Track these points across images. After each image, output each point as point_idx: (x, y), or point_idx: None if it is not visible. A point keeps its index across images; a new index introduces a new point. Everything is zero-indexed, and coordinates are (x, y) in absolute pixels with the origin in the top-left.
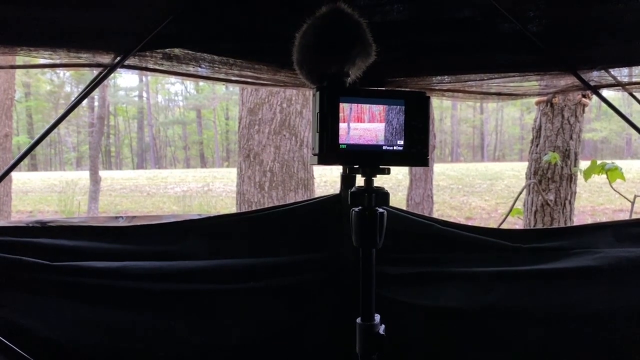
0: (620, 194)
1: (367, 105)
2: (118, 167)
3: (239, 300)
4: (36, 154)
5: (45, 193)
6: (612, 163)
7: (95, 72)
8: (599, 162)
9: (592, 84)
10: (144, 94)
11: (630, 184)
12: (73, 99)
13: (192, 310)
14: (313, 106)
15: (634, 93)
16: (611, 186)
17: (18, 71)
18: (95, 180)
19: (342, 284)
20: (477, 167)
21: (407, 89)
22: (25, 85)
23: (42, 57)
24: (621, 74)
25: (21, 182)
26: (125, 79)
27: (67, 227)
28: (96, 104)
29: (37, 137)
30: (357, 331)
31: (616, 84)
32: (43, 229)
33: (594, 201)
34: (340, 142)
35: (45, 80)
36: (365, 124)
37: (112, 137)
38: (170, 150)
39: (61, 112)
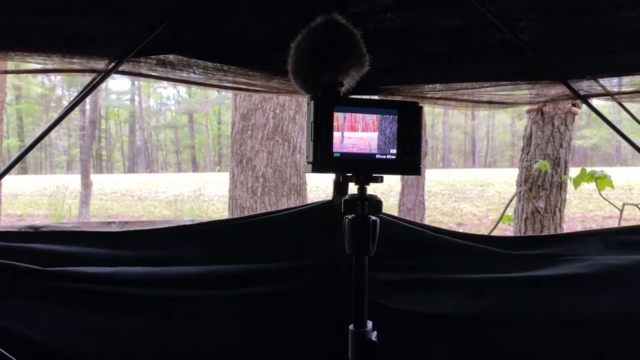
0: (609, 202)
1: (361, 115)
2: (109, 171)
3: (232, 306)
4: (26, 157)
5: (36, 196)
6: (602, 171)
7: (88, 77)
8: (588, 169)
9: (582, 93)
10: (136, 98)
11: (619, 191)
12: (64, 102)
13: (185, 316)
14: (307, 115)
15: (624, 102)
16: (600, 194)
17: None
18: (86, 184)
19: (334, 290)
20: (468, 173)
21: (400, 99)
22: (16, 87)
23: (36, 63)
24: (611, 83)
25: (11, 186)
26: (117, 83)
27: (60, 232)
28: (88, 107)
29: (31, 142)
30: (350, 338)
31: (605, 94)
32: (35, 234)
33: (584, 208)
34: (334, 150)
35: (37, 83)
36: (358, 133)
37: (103, 140)
38: (162, 154)
39: (52, 115)
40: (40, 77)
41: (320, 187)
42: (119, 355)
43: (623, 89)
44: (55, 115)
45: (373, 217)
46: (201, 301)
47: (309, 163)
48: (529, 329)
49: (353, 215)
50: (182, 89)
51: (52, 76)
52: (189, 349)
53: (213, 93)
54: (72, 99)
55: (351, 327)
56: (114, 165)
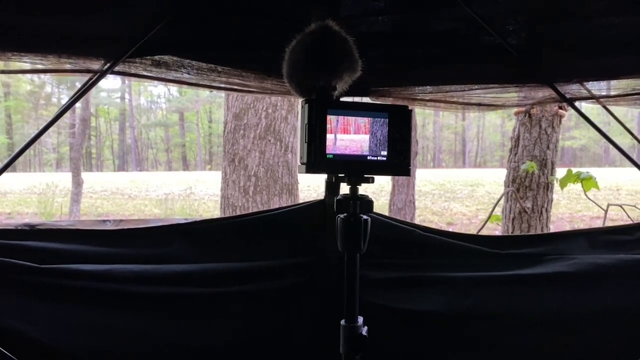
0: (595, 202)
1: (353, 118)
2: (99, 169)
3: (225, 304)
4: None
5: (25, 194)
6: (587, 172)
7: (82, 76)
8: (577, 170)
9: (568, 96)
10: (126, 96)
11: (607, 192)
12: (54, 99)
13: (179, 313)
14: (302, 118)
15: (610, 105)
16: (586, 194)
17: None
18: (77, 182)
19: (326, 288)
20: (458, 173)
21: (390, 101)
22: (5, 85)
23: (33, 63)
24: (597, 87)
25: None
26: (107, 81)
27: (55, 230)
28: (78, 105)
29: (27, 141)
30: (341, 332)
31: (591, 97)
32: (31, 232)
33: (573, 208)
34: (328, 152)
35: (26, 80)
36: (351, 135)
37: (93, 138)
38: (152, 152)
39: (42, 112)
40: (29, 75)
41: (311, 186)
42: (113, 351)
43: (608, 93)
44: (46, 113)
45: (364, 216)
46: (195, 298)
47: (303, 164)
48: (515, 326)
49: (345, 214)
50: (173, 87)
51: (42, 74)
52: (183, 345)
53: (204, 92)
54: (61, 96)
55: (342, 322)
56: (104, 163)
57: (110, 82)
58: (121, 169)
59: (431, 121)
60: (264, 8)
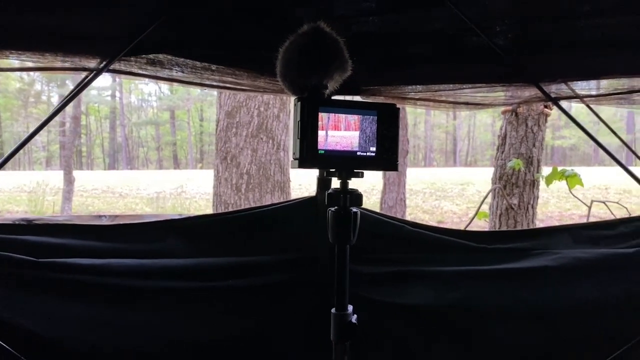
0: (578, 199)
1: (344, 115)
2: (89, 168)
3: (218, 299)
4: (4, 152)
5: (14, 193)
6: (572, 170)
7: (76, 75)
8: (561, 169)
9: (553, 95)
10: (117, 94)
11: (596, 190)
12: (43, 97)
13: (173, 307)
14: (294, 115)
15: (595, 105)
16: (571, 192)
17: None
18: (69, 180)
19: (317, 282)
20: (449, 172)
21: (381, 100)
22: None
23: (30, 61)
24: (584, 86)
25: None
26: (98, 79)
27: (53, 225)
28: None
29: (21, 141)
30: (332, 320)
31: (575, 96)
32: (29, 226)
33: (562, 207)
34: (319, 148)
35: (15, 77)
36: (341, 132)
37: (83, 137)
38: (143, 151)
39: (31, 110)
40: (19, 72)
41: (303, 185)
42: (109, 344)
43: (592, 92)
44: (36, 111)
45: (354, 209)
46: (189, 293)
47: (295, 159)
48: (502, 319)
49: (336, 207)
50: (164, 85)
51: (38, 71)
52: (177, 338)
53: (195, 90)
54: (51, 94)
55: (333, 310)
56: (94, 161)
57: (101, 80)
58: (112, 167)
59: (422, 120)
60: (257, 8)
